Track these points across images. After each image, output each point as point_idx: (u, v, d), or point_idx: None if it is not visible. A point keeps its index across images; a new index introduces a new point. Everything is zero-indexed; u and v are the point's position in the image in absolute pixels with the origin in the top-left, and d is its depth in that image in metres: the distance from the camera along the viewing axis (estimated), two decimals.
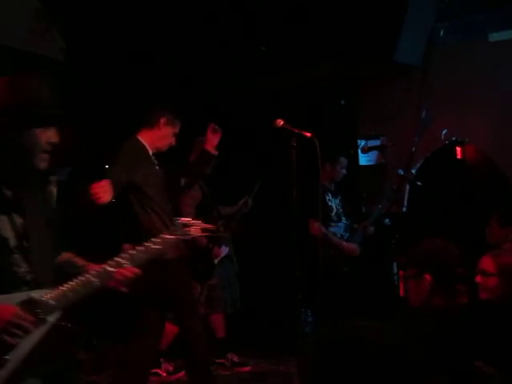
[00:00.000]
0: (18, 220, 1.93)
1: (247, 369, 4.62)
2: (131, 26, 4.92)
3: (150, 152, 3.53)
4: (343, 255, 4.57)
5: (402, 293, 4.32)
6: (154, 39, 5.04)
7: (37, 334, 1.84)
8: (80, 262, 2.12)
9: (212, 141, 3.64)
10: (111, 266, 1.98)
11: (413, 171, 4.86)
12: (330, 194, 4.70)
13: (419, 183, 4.64)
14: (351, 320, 1.17)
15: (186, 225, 2.15)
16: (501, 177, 4.81)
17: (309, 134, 3.18)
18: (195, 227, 2.18)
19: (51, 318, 1.89)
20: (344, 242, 4.60)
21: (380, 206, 4.63)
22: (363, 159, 5.43)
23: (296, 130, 3.21)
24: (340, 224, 4.72)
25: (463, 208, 4.88)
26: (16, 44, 4.77)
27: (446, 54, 5.02)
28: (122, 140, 3.55)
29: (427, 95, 5.00)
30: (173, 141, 3.59)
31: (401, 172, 4.64)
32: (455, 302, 2.06)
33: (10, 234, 1.90)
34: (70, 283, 1.92)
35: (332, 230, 4.63)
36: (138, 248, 2.02)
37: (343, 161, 4.72)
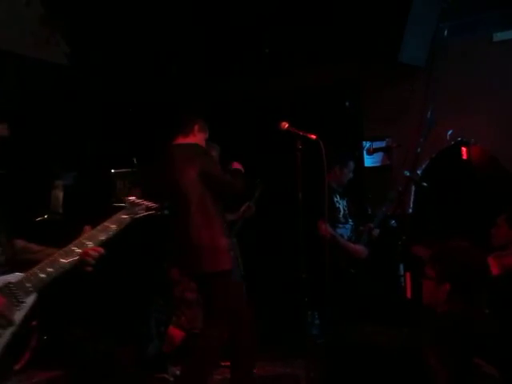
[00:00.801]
0: None
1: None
2: (135, 29, 4.93)
3: None
4: (350, 257, 4.56)
5: (408, 295, 4.32)
6: (158, 42, 5.05)
7: (16, 318, 1.89)
8: (35, 247, 2.17)
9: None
10: (75, 246, 2.06)
11: (418, 172, 4.85)
12: (337, 196, 4.69)
13: (425, 184, 4.63)
14: (362, 325, 1.17)
15: (135, 204, 2.25)
16: (506, 177, 4.79)
17: (314, 137, 3.17)
18: (141, 206, 2.27)
19: (29, 301, 1.94)
20: (351, 244, 4.59)
21: (384, 209, 4.62)
22: (368, 161, 5.43)
23: (301, 133, 3.20)
24: (347, 226, 4.71)
25: (469, 209, 4.86)
26: (20, 49, 4.80)
27: (451, 55, 5.01)
28: (125, 143, 3.57)
29: (432, 96, 4.99)
30: (204, 146, 3.68)
31: (406, 173, 4.63)
32: (472, 310, 2.02)
33: None
34: (40, 265, 1.98)
35: (339, 231, 4.62)
36: (97, 228, 2.13)
37: (351, 164, 4.74)
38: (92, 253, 2.07)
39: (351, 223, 4.75)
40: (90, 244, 2.07)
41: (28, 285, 1.93)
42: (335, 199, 4.64)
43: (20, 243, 2.17)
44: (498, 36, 4.98)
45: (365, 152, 5.31)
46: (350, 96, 5.44)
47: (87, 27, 4.96)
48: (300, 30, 4.89)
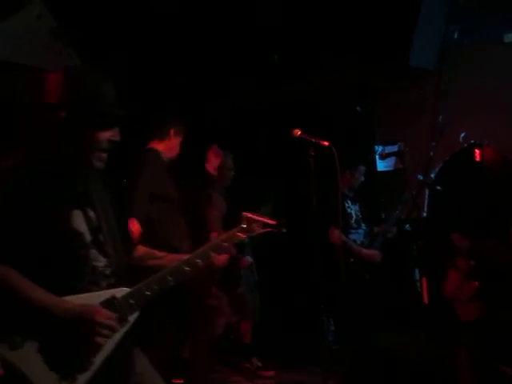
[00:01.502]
0: (91, 214, 1.89)
1: (271, 373, 4.70)
2: (145, 41, 4.97)
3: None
4: (364, 262, 4.54)
5: (425, 300, 4.29)
6: (168, 52, 5.08)
7: (118, 335, 1.82)
8: (158, 253, 2.14)
9: (213, 162, 3.71)
10: (197, 257, 2.01)
11: (432, 176, 4.82)
12: (349, 201, 4.68)
13: (438, 187, 4.60)
14: (381, 332, 1.16)
15: (251, 220, 2.19)
16: None
17: (326, 143, 3.16)
18: (258, 223, 2.21)
19: (131, 318, 1.87)
20: (363, 250, 4.56)
21: (397, 212, 4.60)
22: (381, 165, 5.41)
23: (313, 140, 3.20)
24: (360, 231, 4.69)
25: (484, 211, 4.82)
26: (33, 62, 4.85)
27: (461, 56, 4.99)
28: (131, 152, 3.57)
29: (443, 98, 4.97)
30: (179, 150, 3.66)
31: (419, 177, 4.61)
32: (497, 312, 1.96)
33: (84, 229, 1.85)
34: (146, 280, 1.91)
35: (352, 237, 4.60)
36: (209, 245, 2.08)
37: (362, 168, 4.72)
38: (220, 258, 2.07)
39: (364, 228, 4.73)
40: (200, 262, 2.02)
41: (132, 301, 1.87)
42: (346, 205, 4.63)
43: (141, 249, 2.14)
44: (509, 37, 4.95)
45: (377, 156, 5.29)
46: (361, 101, 5.43)
47: (99, 39, 5.01)
48: (309, 37, 4.89)
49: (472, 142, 4.98)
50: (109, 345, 1.80)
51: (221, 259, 2.10)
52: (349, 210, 4.64)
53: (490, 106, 4.88)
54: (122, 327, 1.84)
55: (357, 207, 4.75)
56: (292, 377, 4.67)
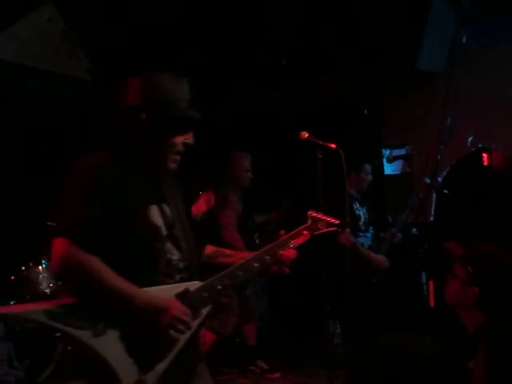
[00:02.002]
0: (167, 209, 1.94)
1: (277, 375, 4.69)
2: (155, 44, 5.00)
3: None
4: (371, 266, 4.52)
5: (432, 303, 4.27)
6: (177, 55, 5.10)
7: (193, 326, 1.85)
8: (227, 251, 2.17)
9: (200, 206, 3.82)
10: (266, 253, 2.05)
11: (439, 179, 4.80)
12: (357, 203, 4.66)
13: (446, 191, 4.58)
14: (390, 334, 1.16)
15: (317, 219, 2.23)
16: None
17: (334, 146, 3.17)
18: (322, 222, 2.24)
19: (204, 311, 1.90)
20: (372, 254, 4.55)
21: (404, 216, 4.59)
22: (388, 169, 5.40)
23: (321, 142, 3.21)
24: (368, 234, 4.67)
25: (492, 215, 4.80)
26: (44, 65, 4.90)
27: (470, 60, 4.98)
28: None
29: (451, 102, 4.96)
30: None
31: (427, 181, 4.59)
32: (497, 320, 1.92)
33: (161, 223, 1.90)
34: (217, 275, 1.95)
35: (360, 240, 4.58)
36: (276, 242, 2.13)
37: (367, 167, 4.68)
38: (289, 255, 2.09)
39: (372, 231, 4.71)
40: (268, 258, 2.07)
41: (205, 295, 1.90)
42: (355, 207, 4.61)
43: (210, 248, 2.18)
44: None
45: (384, 160, 5.28)
46: (368, 104, 5.43)
47: (108, 42, 5.05)
48: (317, 40, 4.90)
49: (480, 145, 4.96)
50: (181, 340, 1.83)
51: (288, 256, 2.10)
52: (357, 212, 4.62)
53: (499, 110, 4.87)
54: (195, 319, 1.87)
55: (364, 210, 4.72)
56: (298, 379, 4.65)
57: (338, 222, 2.28)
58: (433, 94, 5.12)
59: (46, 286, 4.15)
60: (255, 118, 5.53)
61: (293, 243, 2.16)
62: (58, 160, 4.99)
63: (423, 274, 4.71)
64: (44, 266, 4.19)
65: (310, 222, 2.23)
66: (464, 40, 4.97)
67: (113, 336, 1.76)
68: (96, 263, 1.74)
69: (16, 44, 4.68)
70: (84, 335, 1.72)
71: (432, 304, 4.23)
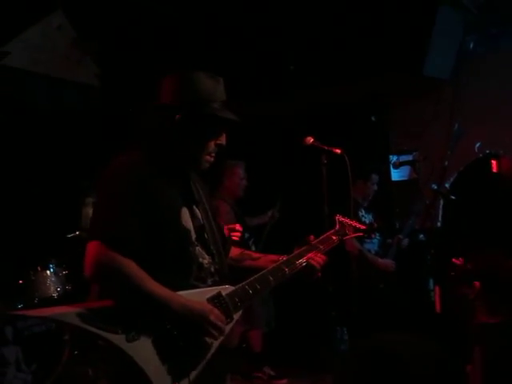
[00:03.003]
0: (197, 212, 1.92)
1: (284, 381, 4.68)
2: (163, 50, 5.04)
3: None
4: (378, 272, 4.52)
5: (438, 309, 4.25)
6: (186, 63, 5.14)
7: (226, 331, 1.84)
8: (254, 254, 2.17)
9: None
10: (296, 258, 2.06)
11: (446, 185, 4.79)
12: (363, 210, 4.68)
13: (453, 198, 4.57)
14: (386, 334, 1.17)
15: (345, 224, 2.27)
16: None
17: (339, 151, 3.17)
18: (350, 227, 2.27)
19: (236, 316, 1.88)
20: (379, 259, 4.55)
21: (411, 222, 4.58)
22: (395, 174, 5.39)
23: (326, 147, 3.21)
24: (374, 240, 4.68)
25: (499, 222, 4.77)
26: (54, 71, 4.95)
27: (477, 66, 4.98)
28: None
29: (458, 108, 4.95)
30: None
31: (434, 187, 4.58)
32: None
33: (190, 226, 1.88)
34: (249, 280, 1.93)
35: (366, 246, 4.59)
36: (305, 247, 2.15)
37: (374, 177, 4.72)
38: (319, 260, 2.09)
39: (378, 237, 4.71)
40: (298, 263, 2.07)
41: (237, 299, 1.88)
42: (360, 214, 4.62)
43: (236, 250, 2.17)
44: None
45: (391, 166, 5.28)
46: (375, 110, 5.43)
47: (117, 49, 5.10)
48: (324, 46, 4.92)
49: (487, 152, 4.95)
50: (214, 346, 1.81)
51: (319, 261, 2.10)
52: (363, 219, 4.63)
53: (506, 116, 4.85)
54: (227, 324, 1.85)
55: (370, 216, 4.74)
56: None
57: (364, 227, 2.28)
58: (440, 100, 5.11)
59: (54, 290, 4.17)
60: (260, 123, 5.54)
61: (323, 248, 2.15)
62: (67, 165, 5.06)
63: (430, 281, 4.70)
64: (52, 270, 4.20)
65: (338, 226, 2.24)
66: (471, 46, 4.97)
67: (146, 341, 1.72)
68: (132, 267, 1.71)
69: (26, 51, 4.74)
70: (117, 339, 1.68)
71: (438, 309, 4.21)
